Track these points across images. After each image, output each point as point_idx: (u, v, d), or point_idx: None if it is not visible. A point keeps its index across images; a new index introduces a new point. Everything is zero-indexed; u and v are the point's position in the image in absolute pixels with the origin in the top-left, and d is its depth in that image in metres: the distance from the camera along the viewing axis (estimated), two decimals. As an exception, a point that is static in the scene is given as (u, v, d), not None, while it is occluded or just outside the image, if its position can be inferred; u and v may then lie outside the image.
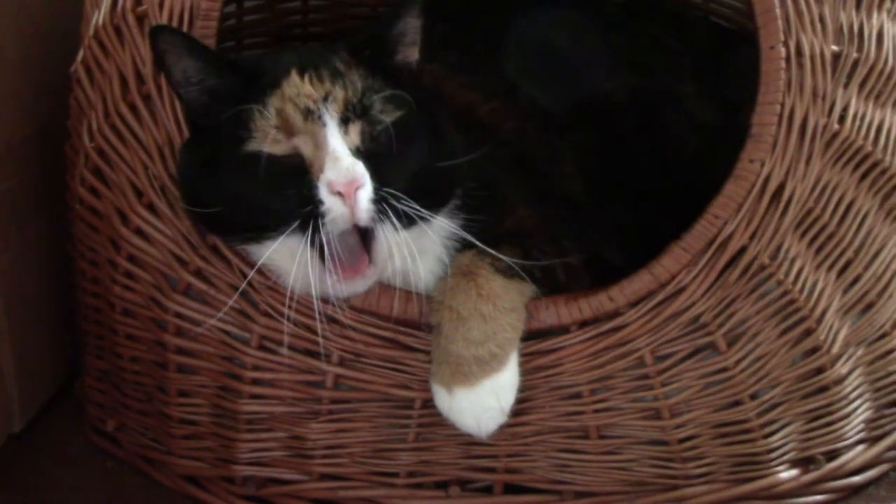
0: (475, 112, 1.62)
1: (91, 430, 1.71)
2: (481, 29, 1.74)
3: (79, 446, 1.70)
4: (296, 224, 1.30)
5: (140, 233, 1.50)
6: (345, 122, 1.31)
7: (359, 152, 1.31)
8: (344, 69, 1.35)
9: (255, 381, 1.50)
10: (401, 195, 1.31)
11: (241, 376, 1.50)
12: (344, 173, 1.28)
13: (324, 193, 1.29)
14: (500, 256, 1.39)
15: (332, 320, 1.45)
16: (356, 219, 1.30)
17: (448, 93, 1.60)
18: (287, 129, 1.31)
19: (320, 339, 1.42)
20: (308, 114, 1.31)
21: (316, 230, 1.29)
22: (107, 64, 1.52)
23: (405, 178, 1.33)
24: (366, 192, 1.29)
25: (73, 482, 1.63)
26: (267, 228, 1.33)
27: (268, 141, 1.30)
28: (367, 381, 1.47)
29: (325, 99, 1.31)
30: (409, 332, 1.45)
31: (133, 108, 1.49)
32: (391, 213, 1.30)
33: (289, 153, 1.31)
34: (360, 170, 1.29)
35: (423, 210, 1.32)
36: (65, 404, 1.79)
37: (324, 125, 1.30)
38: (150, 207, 1.49)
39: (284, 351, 1.46)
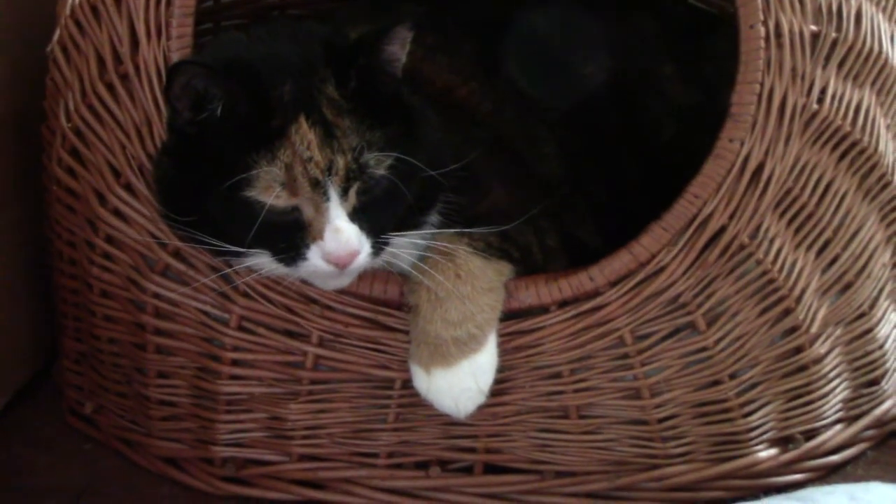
0: (453, 94, 1.62)
1: (69, 412, 1.70)
2: (457, 11, 1.74)
3: (56, 429, 1.69)
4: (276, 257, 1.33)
5: (118, 213, 1.49)
6: (345, 191, 1.31)
7: (355, 211, 1.32)
8: (334, 117, 1.32)
9: (235, 362, 1.50)
10: (394, 235, 1.35)
11: (220, 357, 1.49)
12: (344, 246, 1.30)
13: (313, 254, 1.31)
14: (479, 231, 1.40)
15: (310, 300, 1.45)
16: (348, 272, 1.34)
17: (426, 74, 1.59)
18: (292, 189, 1.30)
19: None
20: (315, 184, 1.30)
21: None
22: (83, 43, 1.50)
23: (400, 213, 1.36)
24: (362, 256, 1.31)
25: (50, 465, 1.62)
26: (244, 255, 1.34)
27: (271, 196, 1.29)
28: (346, 361, 1.47)
29: (329, 170, 1.30)
30: (389, 312, 1.44)
31: (110, 87, 1.48)
32: (385, 249, 1.35)
33: (288, 208, 1.31)
34: (357, 241, 1.30)
35: (414, 231, 1.38)
36: (42, 387, 1.78)
37: (327, 199, 1.30)
38: (128, 188, 1.48)
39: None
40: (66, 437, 1.68)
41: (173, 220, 1.37)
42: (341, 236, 1.30)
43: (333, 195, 1.30)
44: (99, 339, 1.59)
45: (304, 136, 1.30)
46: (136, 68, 1.45)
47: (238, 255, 1.34)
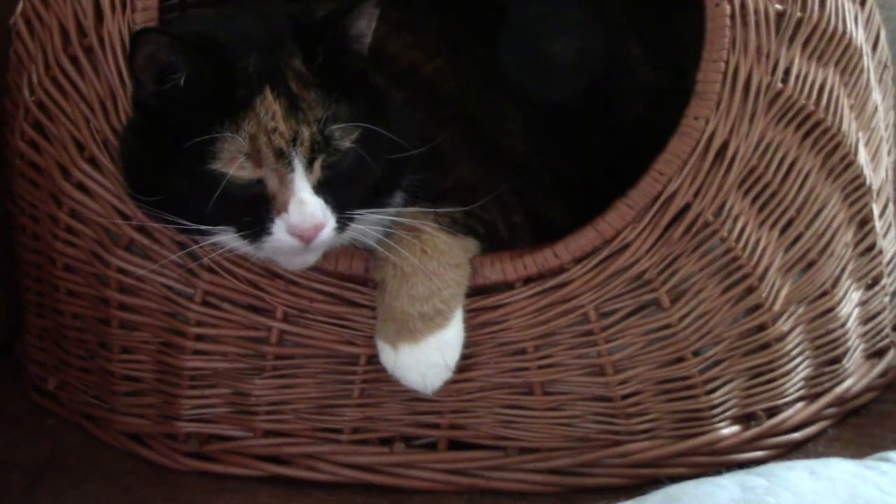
0: (418, 71, 1.62)
1: (32, 388, 1.70)
2: None
3: (19, 405, 1.69)
4: (241, 233, 1.32)
5: (82, 187, 1.48)
6: (310, 162, 1.31)
7: (320, 185, 1.31)
8: (300, 90, 1.32)
9: (199, 337, 1.49)
10: (361, 212, 1.34)
11: (184, 332, 1.49)
12: (308, 218, 1.29)
13: (278, 228, 1.30)
14: (445, 210, 1.40)
15: (275, 276, 1.45)
16: (314, 247, 1.33)
17: (391, 52, 1.59)
18: (256, 160, 1.30)
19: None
20: (280, 155, 1.29)
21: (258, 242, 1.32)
22: (47, 16, 1.49)
23: (365, 190, 1.35)
24: (328, 230, 1.31)
25: (12, 440, 1.61)
26: (209, 233, 1.33)
27: (234, 167, 1.29)
28: (311, 336, 1.47)
29: (294, 141, 1.30)
30: (354, 287, 1.44)
31: (74, 60, 1.47)
32: (350, 225, 1.34)
33: (252, 180, 1.31)
34: (322, 214, 1.30)
35: (380, 210, 1.37)
36: (4, 363, 1.77)
37: (292, 170, 1.30)
38: (92, 161, 1.47)
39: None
40: (29, 412, 1.67)
41: (139, 200, 1.37)
42: (306, 208, 1.29)
43: (298, 166, 1.30)
44: (62, 314, 1.59)
45: (269, 106, 1.30)
46: (101, 41, 1.44)
47: (203, 233, 1.34)
